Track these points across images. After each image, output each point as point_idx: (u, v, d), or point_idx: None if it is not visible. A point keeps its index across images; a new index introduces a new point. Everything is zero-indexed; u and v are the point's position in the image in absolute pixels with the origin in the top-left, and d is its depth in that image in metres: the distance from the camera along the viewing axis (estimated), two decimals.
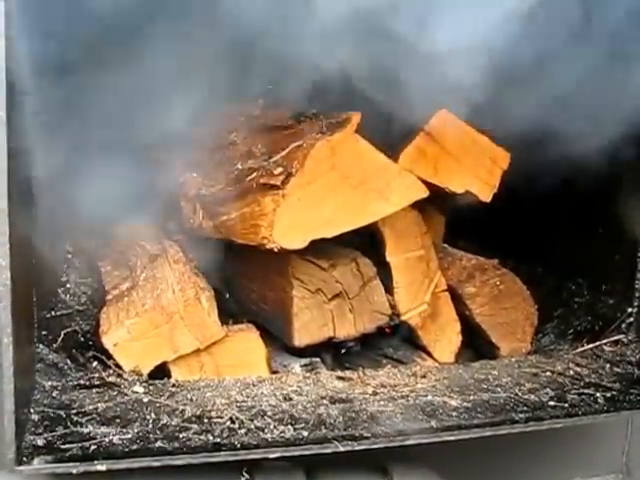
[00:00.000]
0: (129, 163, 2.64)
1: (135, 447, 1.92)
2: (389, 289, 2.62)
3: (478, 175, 2.61)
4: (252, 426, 2.05)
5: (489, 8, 2.19)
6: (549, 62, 2.41)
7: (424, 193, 2.42)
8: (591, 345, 2.73)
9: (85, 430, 1.96)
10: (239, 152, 2.57)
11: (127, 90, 2.60)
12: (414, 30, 2.27)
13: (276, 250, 2.25)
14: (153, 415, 2.08)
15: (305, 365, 2.59)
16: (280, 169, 2.29)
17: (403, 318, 2.63)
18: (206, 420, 2.07)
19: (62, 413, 2.04)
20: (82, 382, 2.26)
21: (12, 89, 1.75)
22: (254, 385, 2.33)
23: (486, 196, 2.63)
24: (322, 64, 2.31)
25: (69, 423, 1.99)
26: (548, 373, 2.51)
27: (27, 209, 2.15)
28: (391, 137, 2.52)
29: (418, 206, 2.56)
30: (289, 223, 2.24)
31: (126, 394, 2.20)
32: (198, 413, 2.11)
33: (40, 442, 1.89)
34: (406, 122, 2.54)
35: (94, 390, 2.21)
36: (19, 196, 1.88)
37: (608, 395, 2.37)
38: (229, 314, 2.67)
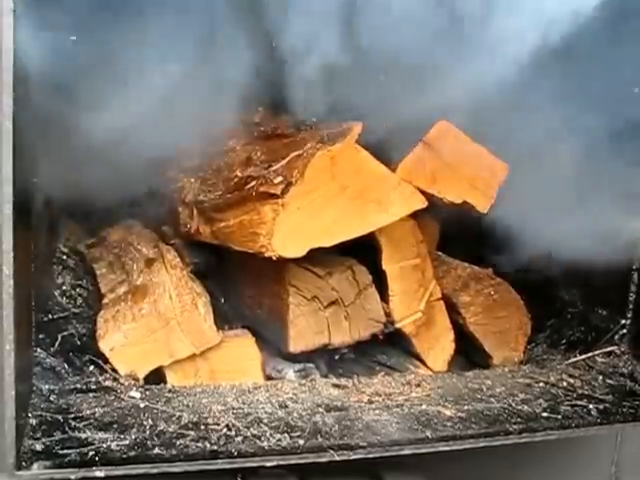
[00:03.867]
0: (128, 165, 2.64)
1: (133, 453, 1.93)
2: (384, 297, 2.63)
3: (476, 186, 2.61)
4: (248, 434, 2.07)
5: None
6: None
7: (423, 204, 2.44)
8: (584, 356, 2.75)
9: (83, 435, 1.97)
10: (239, 159, 2.57)
11: (125, 93, 2.60)
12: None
13: (274, 258, 2.26)
14: (150, 421, 2.09)
15: (299, 371, 2.60)
16: (280, 178, 2.29)
17: (398, 326, 2.64)
18: (203, 427, 2.09)
19: (60, 418, 2.05)
20: (79, 386, 2.27)
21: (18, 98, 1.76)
22: (250, 392, 2.34)
23: (483, 207, 2.62)
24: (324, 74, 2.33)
25: (67, 428, 2.00)
26: (541, 384, 2.53)
27: (27, 214, 2.15)
28: (391, 146, 2.53)
29: (414, 214, 2.56)
30: (288, 232, 2.25)
31: (123, 399, 2.21)
32: (195, 420, 2.12)
33: (39, 447, 1.90)
34: (406, 132, 2.54)
35: (91, 394, 2.22)
36: (21, 202, 1.89)
37: (601, 407, 2.39)
38: (225, 319, 2.68)
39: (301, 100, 2.57)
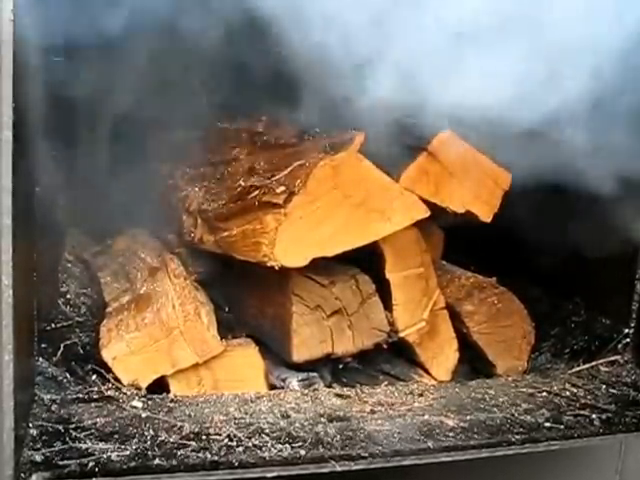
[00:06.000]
0: (131, 175, 2.65)
1: (133, 464, 1.93)
2: (388, 306, 2.62)
3: (479, 195, 2.61)
4: (250, 444, 2.06)
5: None
6: None
7: (425, 213, 2.44)
8: (587, 365, 2.74)
9: (83, 446, 1.97)
10: (242, 169, 2.58)
11: (128, 101, 2.61)
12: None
13: (277, 268, 2.26)
14: (151, 431, 2.08)
15: (302, 380, 2.60)
16: (282, 188, 2.30)
17: (401, 335, 2.63)
18: (204, 437, 2.08)
19: (61, 428, 2.05)
20: (81, 396, 2.26)
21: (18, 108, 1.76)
22: (252, 401, 2.33)
23: (487, 216, 2.63)
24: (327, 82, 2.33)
25: (67, 438, 2.00)
26: (544, 393, 2.51)
27: (29, 223, 2.15)
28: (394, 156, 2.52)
29: (418, 223, 2.56)
30: (290, 241, 2.25)
31: (125, 409, 2.20)
32: (196, 430, 2.11)
33: (38, 458, 1.89)
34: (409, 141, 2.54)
35: (93, 404, 2.22)
36: (22, 212, 1.89)
37: (604, 417, 2.38)
38: (228, 328, 2.68)
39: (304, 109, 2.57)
